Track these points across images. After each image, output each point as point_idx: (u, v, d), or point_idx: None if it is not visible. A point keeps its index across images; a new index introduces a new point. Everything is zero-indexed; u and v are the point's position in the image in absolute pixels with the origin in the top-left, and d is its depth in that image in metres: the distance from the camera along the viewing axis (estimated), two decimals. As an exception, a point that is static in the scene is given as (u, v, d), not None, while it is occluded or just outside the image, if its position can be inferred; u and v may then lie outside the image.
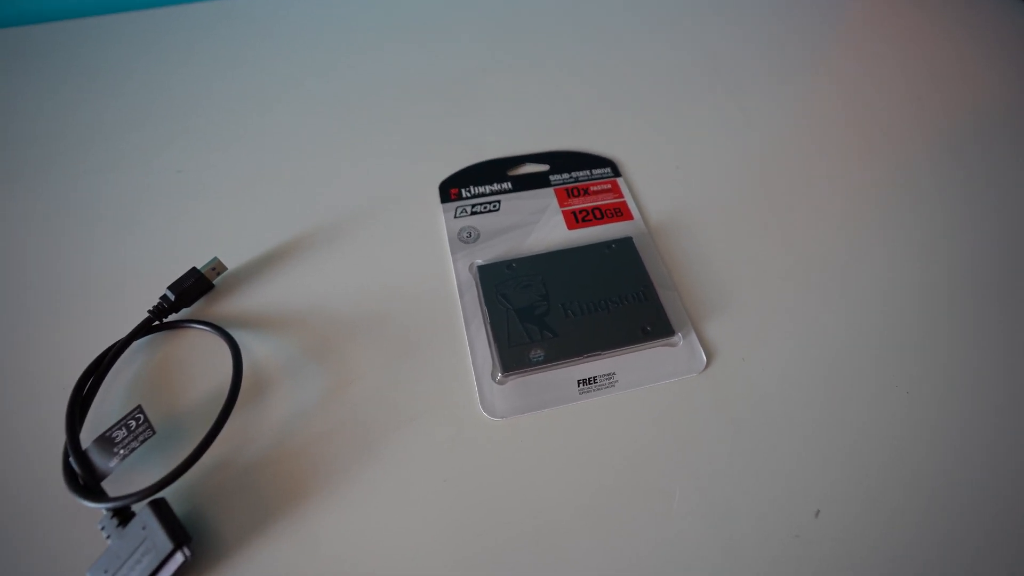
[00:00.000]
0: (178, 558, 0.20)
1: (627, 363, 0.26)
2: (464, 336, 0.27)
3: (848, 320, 0.28)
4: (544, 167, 0.35)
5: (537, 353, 0.26)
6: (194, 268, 0.28)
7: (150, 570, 0.20)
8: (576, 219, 0.32)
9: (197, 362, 0.26)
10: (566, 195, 0.33)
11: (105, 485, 0.22)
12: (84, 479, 0.22)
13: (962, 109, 0.40)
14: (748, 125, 0.38)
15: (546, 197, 0.33)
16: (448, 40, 0.45)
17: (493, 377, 0.26)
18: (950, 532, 0.22)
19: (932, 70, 0.43)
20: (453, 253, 0.30)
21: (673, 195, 0.34)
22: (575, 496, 0.23)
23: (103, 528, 0.21)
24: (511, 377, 0.25)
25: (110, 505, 0.21)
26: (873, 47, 0.44)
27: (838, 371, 0.27)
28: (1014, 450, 0.24)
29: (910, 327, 0.28)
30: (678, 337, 0.27)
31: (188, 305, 0.28)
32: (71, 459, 0.22)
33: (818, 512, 0.23)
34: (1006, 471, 0.24)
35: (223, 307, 0.28)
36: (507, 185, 0.33)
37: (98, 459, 0.22)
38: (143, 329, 0.27)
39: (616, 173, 0.34)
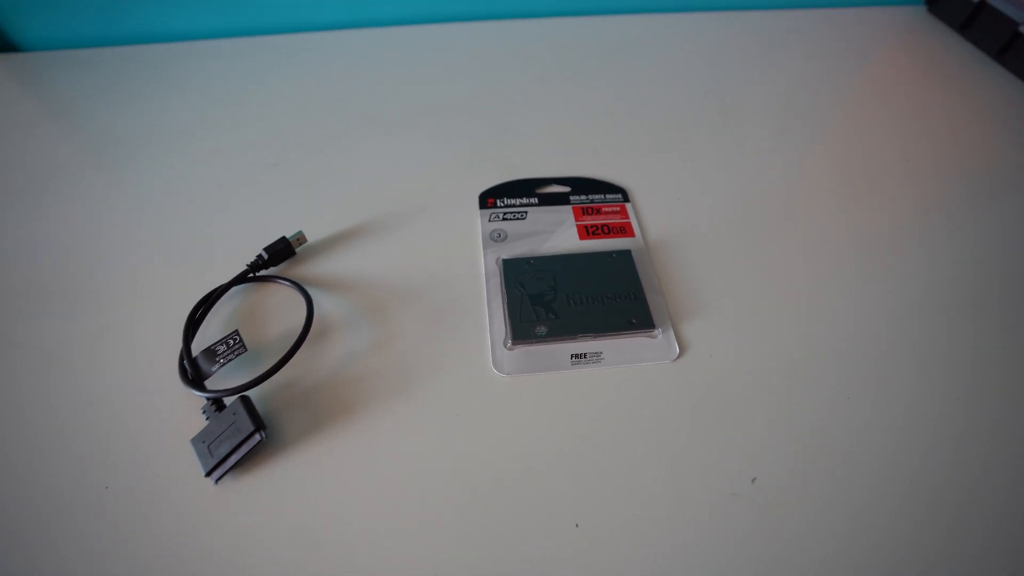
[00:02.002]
0: (256, 438, 0.27)
1: (613, 346, 0.32)
2: (485, 311, 0.34)
3: (806, 334, 0.34)
4: (566, 189, 0.42)
5: (541, 329, 0.32)
6: (283, 237, 0.36)
7: (235, 444, 0.27)
8: (587, 232, 0.39)
9: (279, 308, 0.34)
10: (581, 212, 0.40)
11: (207, 384, 0.30)
12: (192, 376, 0.29)
13: (945, 173, 0.45)
14: (745, 168, 0.44)
15: (565, 212, 0.40)
16: (500, 82, 0.53)
17: (504, 344, 0.32)
18: (863, 515, 0.27)
19: (923, 135, 0.48)
20: (484, 248, 0.37)
21: (672, 220, 0.40)
22: (559, 441, 0.29)
23: (204, 412, 0.28)
24: (519, 345, 0.32)
25: (210, 395, 0.28)
26: (871, 114, 0.50)
27: (790, 374, 0.32)
28: (937, 453, 0.29)
29: (858, 345, 0.33)
30: (658, 331, 0.33)
31: (275, 265, 0.36)
32: (184, 362, 0.30)
33: (754, 479, 0.28)
34: (928, 470, 0.28)
35: (301, 270, 0.36)
36: (534, 200, 0.41)
37: (204, 364, 0.29)
38: (241, 278, 0.34)
39: (626, 199, 0.41)
